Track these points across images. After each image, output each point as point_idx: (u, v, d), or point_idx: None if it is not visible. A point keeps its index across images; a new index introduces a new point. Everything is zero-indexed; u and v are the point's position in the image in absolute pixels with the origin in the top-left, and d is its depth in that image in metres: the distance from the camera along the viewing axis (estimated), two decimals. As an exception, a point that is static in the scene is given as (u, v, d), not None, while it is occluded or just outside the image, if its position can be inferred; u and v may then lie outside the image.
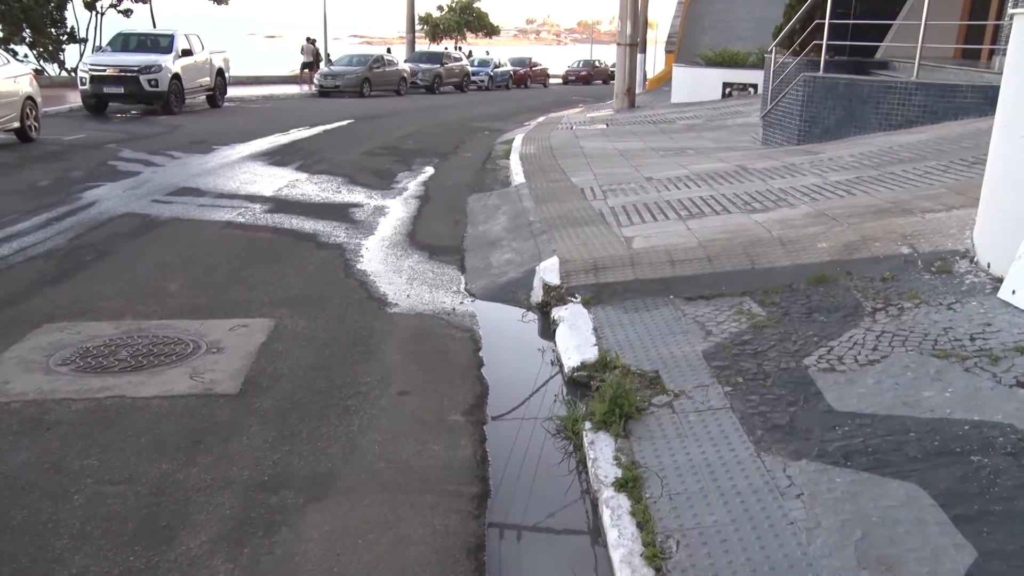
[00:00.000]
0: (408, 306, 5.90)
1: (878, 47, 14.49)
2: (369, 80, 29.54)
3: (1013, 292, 4.70)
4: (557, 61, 55.80)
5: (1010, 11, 5.15)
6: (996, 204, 5.22)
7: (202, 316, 5.52)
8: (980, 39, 13.81)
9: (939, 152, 8.44)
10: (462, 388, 4.59)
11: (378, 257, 7.16)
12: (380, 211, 9.10)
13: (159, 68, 18.80)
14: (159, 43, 19.87)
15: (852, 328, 4.70)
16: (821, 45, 11.58)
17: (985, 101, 9.56)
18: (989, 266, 5.16)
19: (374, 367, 4.81)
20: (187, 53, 20.19)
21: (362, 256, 7.16)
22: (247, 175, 11.01)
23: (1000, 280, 4.90)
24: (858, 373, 4.18)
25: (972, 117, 9.67)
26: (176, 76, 19.31)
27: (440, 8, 55.19)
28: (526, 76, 43.26)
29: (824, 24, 11.49)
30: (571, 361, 4.73)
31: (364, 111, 22.12)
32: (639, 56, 30.69)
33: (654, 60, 35.27)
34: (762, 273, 5.64)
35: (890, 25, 14.40)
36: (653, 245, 6.28)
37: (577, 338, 4.99)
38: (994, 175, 5.25)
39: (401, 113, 22.27)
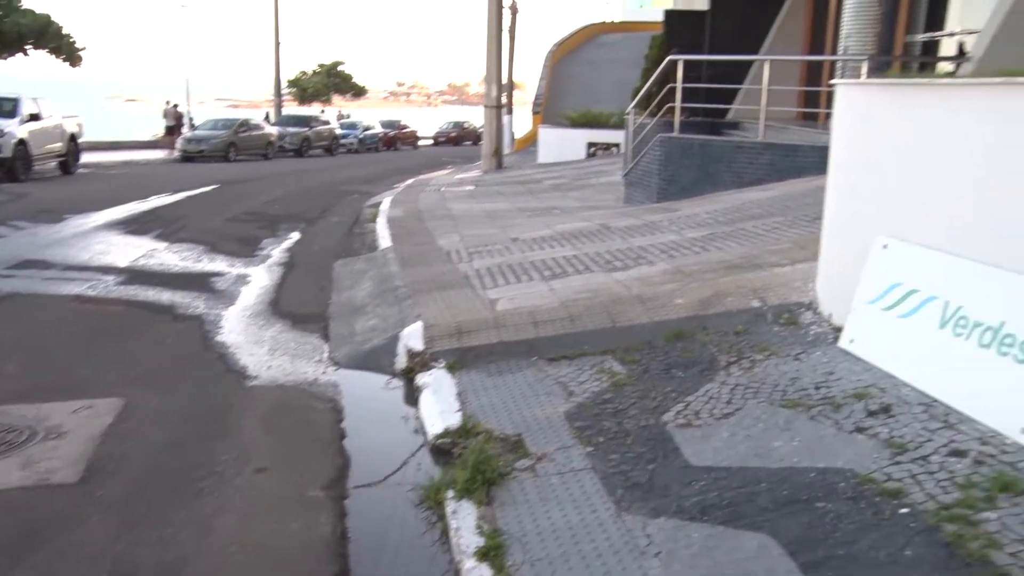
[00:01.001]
0: (269, 378, 5.73)
1: (728, 109, 15.27)
2: (235, 144, 29.02)
3: (851, 341, 4.96)
4: (427, 123, 56.35)
5: (832, 81, 5.53)
6: (832, 258, 5.53)
7: (42, 399, 5.20)
8: (817, 103, 14.74)
9: (785, 208, 8.90)
10: (323, 461, 4.47)
11: (239, 328, 6.95)
12: (243, 279, 8.87)
13: (1, 134, 17.92)
14: (2, 107, 18.95)
15: (708, 382, 4.84)
16: (675, 107, 12.11)
17: (823, 160, 10.06)
18: (831, 316, 5.43)
19: (231, 444, 4.63)
20: (35, 118, 19.33)
21: (222, 327, 6.93)
22: (100, 245, 10.55)
23: (840, 330, 5.16)
24: (713, 427, 4.30)
25: (813, 175, 10.26)
26: (22, 142, 18.44)
27: (304, 73, 55.03)
28: (396, 138, 43.45)
29: (677, 87, 12.03)
30: (434, 428, 4.68)
31: (230, 176, 21.67)
32: (506, 117, 31.37)
33: (522, 121, 36.13)
34: (623, 331, 5.76)
35: (739, 89, 15.23)
36: (517, 307, 6.33)
37: (441, 404, 4.95)
38: (829, 231, 5.57)
39: (268, 177, 21.92)
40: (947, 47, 12.50)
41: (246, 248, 10.86)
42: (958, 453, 3.70)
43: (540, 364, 5.44)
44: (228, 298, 8.00)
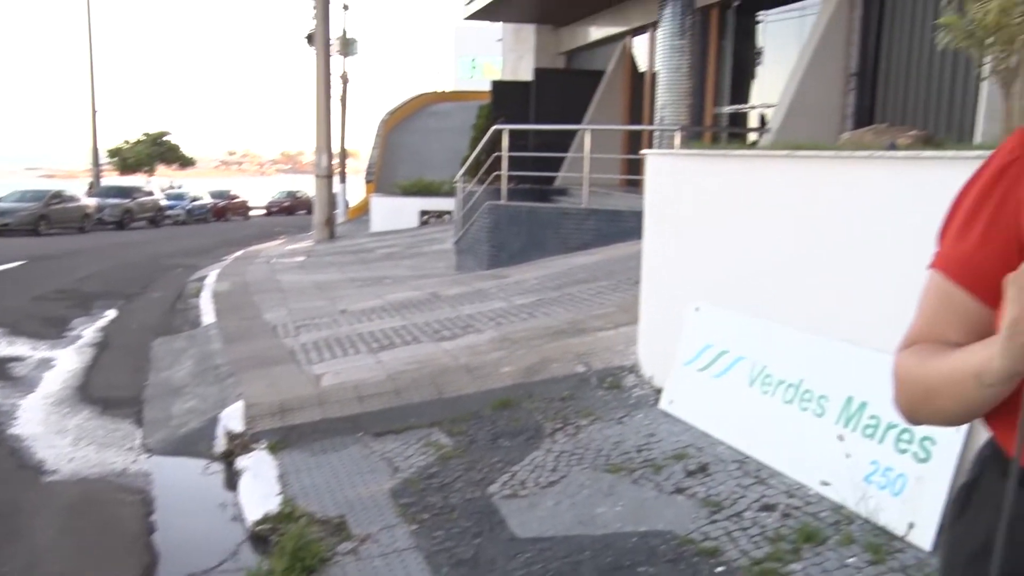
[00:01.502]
0: (70, 472, 5.29)
1: (556, 176, 15.73)
2: (46, 217, 27.30)
3: (671, 402, 5.10)
4: (260, 192, 55.11)
5: (642, 151, 5.79)
6: (651, 321, 5.71)
7: None
8: (638, 170, 15.41)
9: (610, 272, 9.18)
10: (127, 562, 4.13)
11: (38, 418, 6.41)
12: (46, 364, 8.24)
13: None
14: None
15: (534, 451, 4.84)
16: (502, 175, 12.36)
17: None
18: (652, 379, 5.58)
19: (20, 551, 4.20)
20: None
21: (17, 419, 6.38)
22: None
23: (661, 391, 5.30)
24: (539, 496, 4.28)
25: (636, 239, 10.63)
26: None
27: (127, 142, 52.83)
28: (226, 208, 42.22)
29: (503, 156, 12.30)
30: (253, 514, 4.43)
31: (39, 251, 20.32)
32: (340, 186, 31.17)
33: (357, 190, 35.95)
34: (450, 402, 5.70)
35: (565, 157, 15.72)
36: (342, 381, 6.17)
37: (261, 488, 4.71)
38: (647, 295, 5.76)
39: (84, 252, 20.71)
40: (753, 119, 13.43)
41: (53, 329, 10.13)
42: (768, 507, 3.83)
43: (366, 440, 5.29)
44: (27, 385, 7.39)
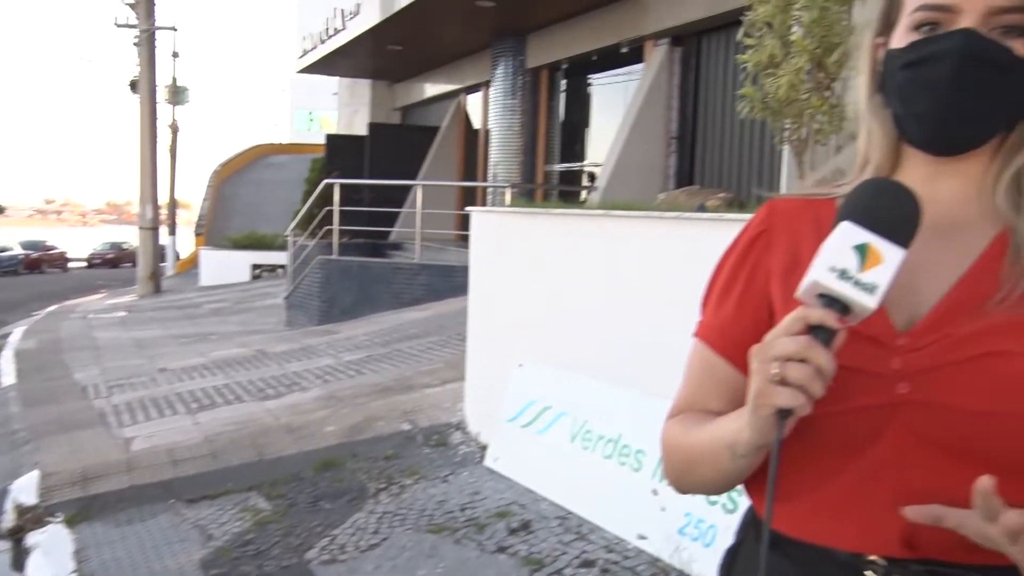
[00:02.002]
0: None
1: (391, 231, 15.65)
2: None
3: (496, 459, 5.08)
4: (83, 243, 52.02)
5: (467, 208, 5.84)
6: (477, 377, 5.70)
7: None
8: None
9: (440, 328, 9.15)
10: None
11: None
12: None
13: None
14: None
15: (356, 512, 4.68)
16: (334, 229, 12.19)
17: (477, 279, 10.69)
18: (478, 435, 5.56)
19: None
20: None
21: None
22: None
23: (487, 448, 5.28)
24: (359, 560, 4.13)
25: (467, 294, 10.72)
26: None
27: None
28: (40, 260, 39.59)
29: (334, 210, 12.15)
30: (43, 597, 4.06)
31: None
32: (169, 238, 29.86)
33: (187, 242, 34.51)
34: (271, 464, 5.47)
35: (400, 212, 15.68)
36: (155, 445, 5.81)
37: (52, 567, 4.32)
38: (473, 351, 5.76)
39: None
40: (583, 177, 13.88)
41: None
42: (588, 563, 3.84)
43: (178, 507, 4.98)
44: None
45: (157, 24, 21.57)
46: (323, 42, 16.48)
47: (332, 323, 11.28)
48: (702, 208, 4.44)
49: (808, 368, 0.84)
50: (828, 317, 0.86)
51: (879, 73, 1.05)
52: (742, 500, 3.58)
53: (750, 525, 1.12)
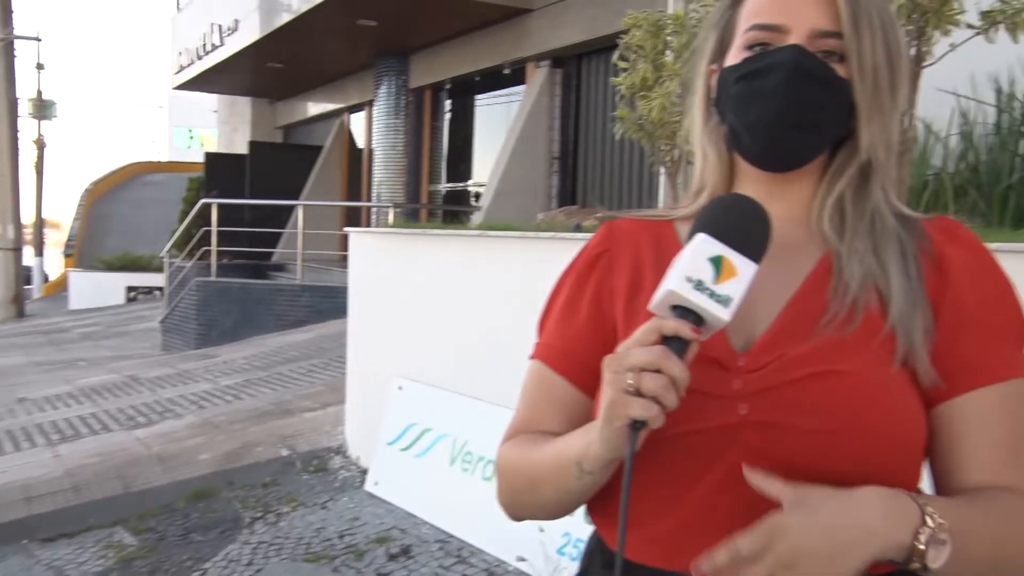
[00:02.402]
0: None
1: (273, 252, 15.29)
2: None
3: (376, 483, 4.98)
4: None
5: (345, 229, 5.75)
6: (358, 400, 5.59)
7: None
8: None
9: (322, 350, 8.97)
10: None
11: None
12: None
13: None
14: None
15: (230, 544, 4.50)
16: (212, 250, 11.83)
17: (361, 300, 10.53)
18: (359, 459, 5.44)
19: None
20: None
21: None
22: None
23: (367, 472, 5.17)
24: (231, 595, 3.97)
25: (352, 315, 10.57)
26: None
27: None
28: None
29: (212, 231, 11.79)
30: None
31: None
32: (37, 259, 28.35)
33: (54, 264, 32.86)
34: (138, 496, 5.21)
35: (282, 232, 15.35)
36: (7, 482, 5.46)
37: None
38: (353, 372, 5.65)
39: None
40: (468, 197, 13.89)
41: None
42: (468, 587, 3.80)
43: (31, 548, 4.67)
44: None
45: (17, 33, 20.55)
46: (200, 58, 16.02)
47: (210, 347, 10.91)
48: (578, 228, 4.48)
49: (663, 378, 0.84)
50: (683, 327, 0.86)
51: (713, 97, 1.08)
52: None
53: (595, 552, 1.10)
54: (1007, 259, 1.07)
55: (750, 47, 1.01)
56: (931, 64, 2.99)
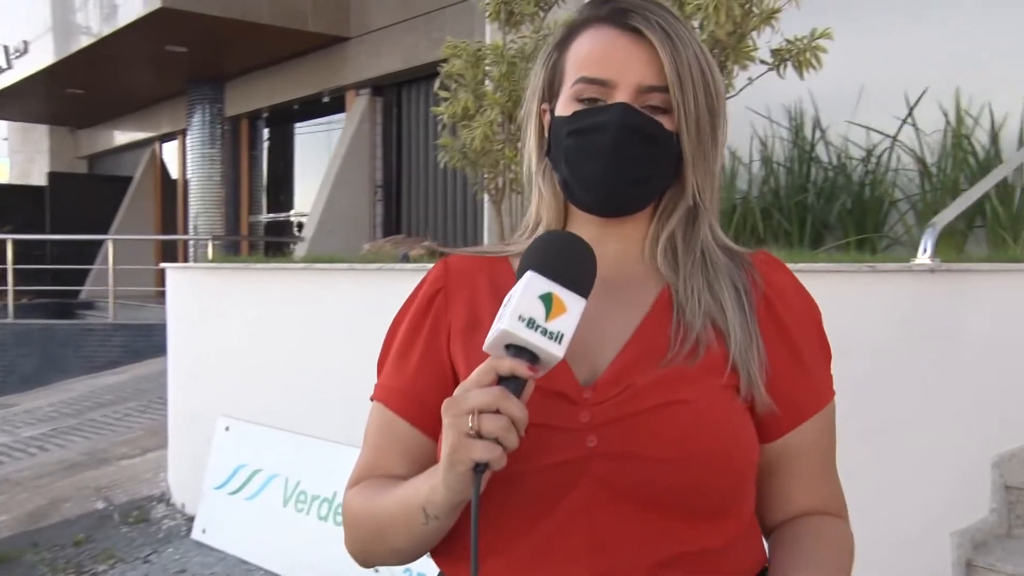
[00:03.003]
0: None
1: (81, 290, 14.34)
2: None
3: (204, 531, 4.74)
4: None
5: (161, 264, 5.48)
6: (181, 443, 5.32)
7: None
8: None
9: (139, 392, 8.48)
10: None
11: None
12: None
13: None
14: None
15: (40, 611, 4.16)
16: (9, 290, 10.97)
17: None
18: (184, 507, 5.17)
19: None
20: None
21: None
22: None
23: (194, 519, 4.92)
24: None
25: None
26: None
27: None
28: None
29: (8, 269, 10.95)
30: None
31: None
32: None
33: None
34: (-71, 567, 4.71)
35: (91, 268, 14.43)
36: None
37: None
38: (175, 415, 5.38)
39: None
40: (290, 228, 13.56)
41: None
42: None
43: None
44: None
45: None
46: (-16, 82, 14.85)
47: (8, 395, 10.06)
48: (406, 258, 4.48)
49: (503, 419, 0.84)
50: (519, 366, 0.86)
51: (546, 138, 1.09)
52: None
53: (440, 591, 1.09)
54: (807, 278, 1.15)
55: (579, 99, 1.03)
56: (733, 96, 3.19)
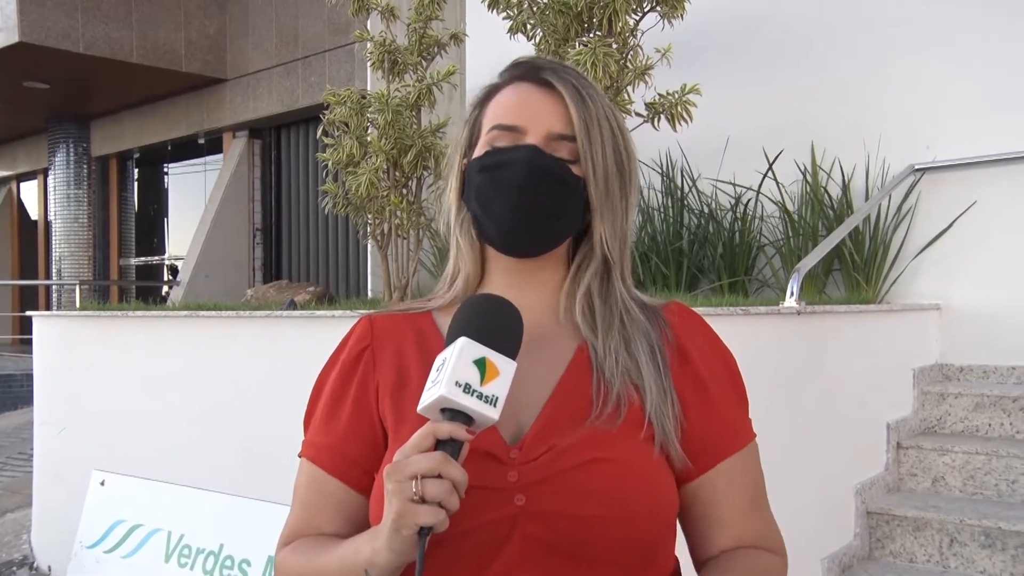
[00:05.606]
0: None
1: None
2: None
3: (76, 592, 4.52)
4: None
5: (29, 312, 5.26)
6: (47, 501, 5.07)
7: None
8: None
9: (-2, 447, 8.01)
10: None
11: None
12: None
13: None
14: None
15: None
16: None
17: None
18: (51, 570, 4.91)
19: None
20: None
21: None
22: None
23: (64, 581, 4.68)
24: None
25: (32, 406, 9.53)
26: None
27: None
28: None
29: None
30: None
31: None
32: None
33: None
34: None
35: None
36: None
37: None
38: (40, 471, 5.12)
39: None
40: (165, 271, 13.13)
41: None
42: None
43: None
44: None
45: None
46: None
47: None
48: (293, 304, 4.44)
49: (445, 483, 0.86)
50: (459, 430, 0.89)
51: (463, 186, 1.15)
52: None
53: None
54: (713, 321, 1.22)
55: (493, 145, 1.09)
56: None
